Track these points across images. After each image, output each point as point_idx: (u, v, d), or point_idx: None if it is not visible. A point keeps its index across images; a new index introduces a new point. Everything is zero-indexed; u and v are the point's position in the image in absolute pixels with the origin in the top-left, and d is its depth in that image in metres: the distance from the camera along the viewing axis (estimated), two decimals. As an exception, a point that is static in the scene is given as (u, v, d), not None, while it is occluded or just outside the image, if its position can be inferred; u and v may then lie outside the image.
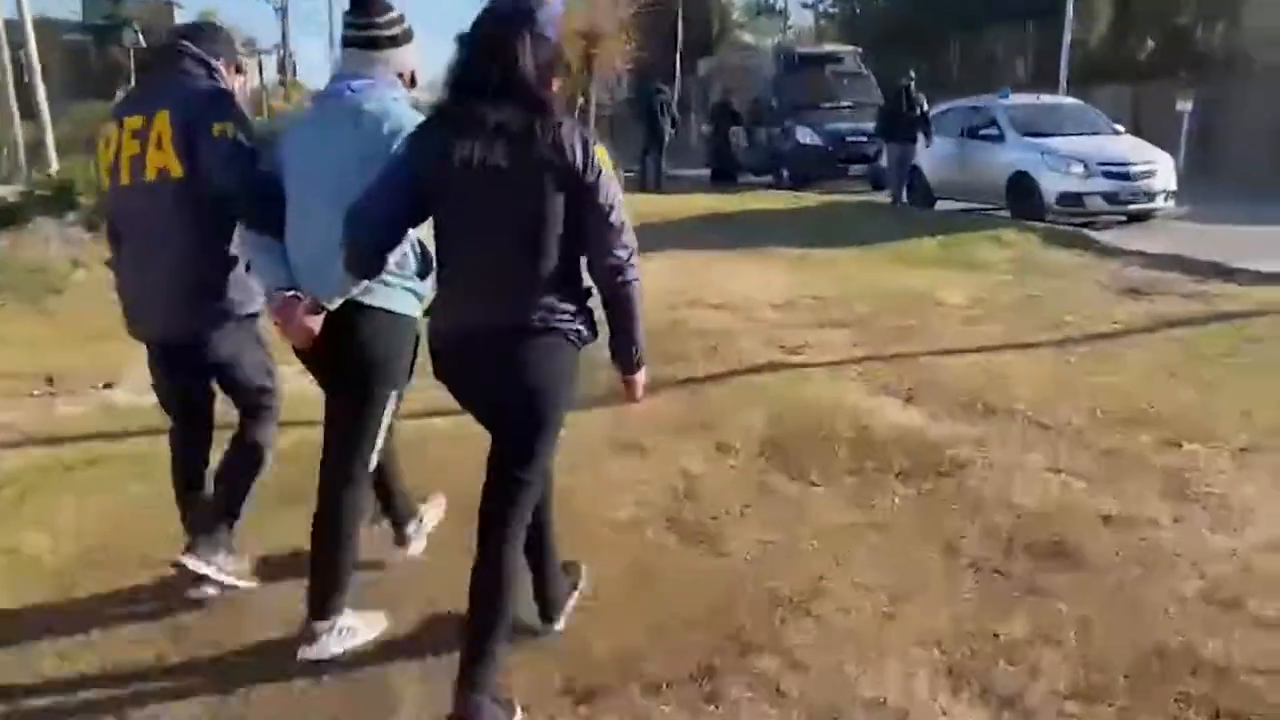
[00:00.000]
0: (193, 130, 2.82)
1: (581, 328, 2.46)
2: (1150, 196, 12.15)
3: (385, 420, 2.87)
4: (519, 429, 2.50)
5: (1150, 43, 27.45)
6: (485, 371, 2.46)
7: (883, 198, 15.38)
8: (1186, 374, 5.55)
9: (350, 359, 2.78)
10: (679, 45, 38.23)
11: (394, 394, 2.87)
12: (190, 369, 3.08)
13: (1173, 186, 12.29)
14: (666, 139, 18.36)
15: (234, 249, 2.98)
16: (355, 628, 2.88)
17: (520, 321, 2.38)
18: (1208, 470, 4.15)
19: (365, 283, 2.64)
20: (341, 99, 2.73)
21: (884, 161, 16.64)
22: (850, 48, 21.45)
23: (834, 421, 4.89)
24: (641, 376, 2.60)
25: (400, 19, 2.86)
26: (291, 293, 2.73)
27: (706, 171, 21.00)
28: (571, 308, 2.43)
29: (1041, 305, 7.62)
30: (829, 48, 22.38)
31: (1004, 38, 29.83)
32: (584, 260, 2.45)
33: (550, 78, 2.35)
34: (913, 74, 14.55)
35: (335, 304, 2.70)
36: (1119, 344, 6.32)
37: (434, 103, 2.47)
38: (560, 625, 2.97)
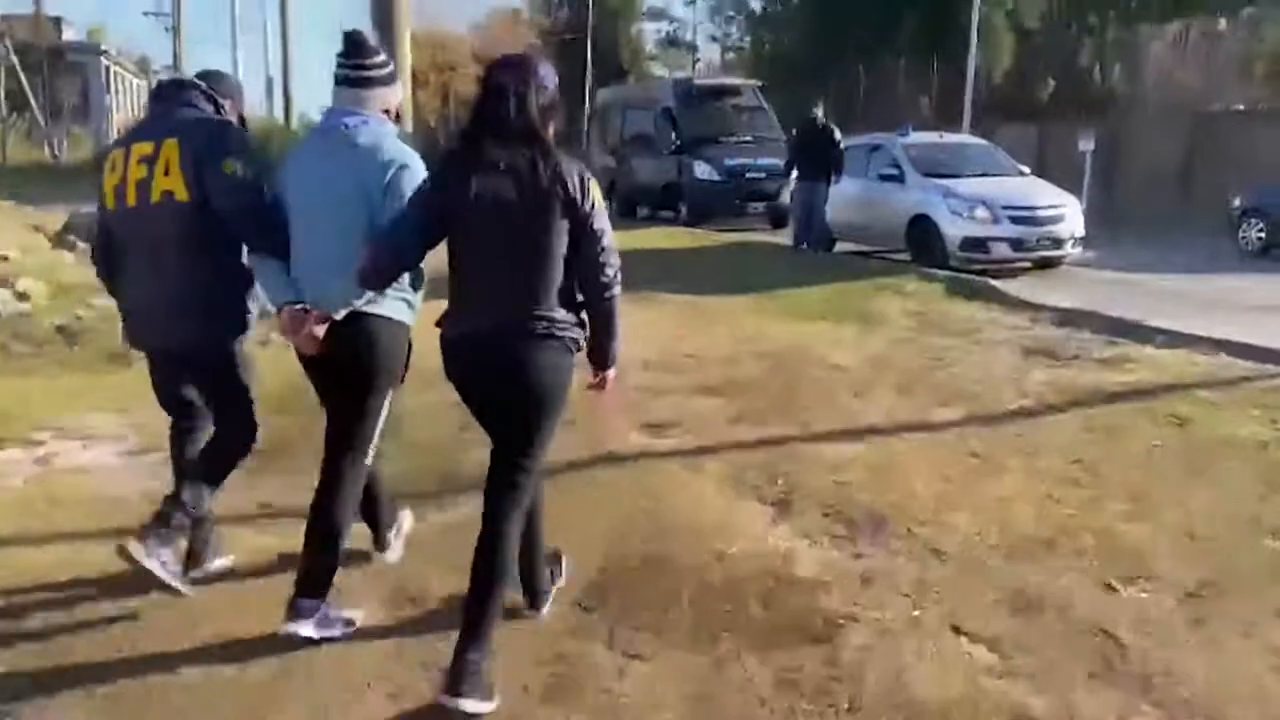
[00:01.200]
0: (202, 161, 3.02)
1: (577, 335, 2.82)
2: (1058, 243, 11.47)
3: (384, 414, 3.20)
4: (524, 423, 2.85)
5: (1052, 82, 27.47)
6: (493, 373, 2.80)
7: (782, 238, 14.54)
8: (1110, 472, 4.63)
9: (356, 362, 3.08)
10: (587, 75, 37.57)
11: (391, 391, 3.19)
12: (190, 374, 3.32)
13: (1081, 232, 11.65)
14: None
15: (239, 263, 3.20)
16: (339, 618, 3.15)
17: (526, 330, 2.73)
18: (1152, 630, 3.18)
19: (368, 295, 2.96)
20: (338, 134, 3.04)
21: (785, 198, 15.85)
22: (750, 81, 20.75)
23: (684, 546, 3.84)
24: (612, 372, 2.97)
25: (386, 62, 3.17)
26: (299, 306, 2.99)
27: (604, 206, 20.00)
28: (568, 318, 2.79)
29: (942, 371, 6.70)
30: (727, 81, 21.68)
31: (909, 73, 29.67)
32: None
33: (549, 120, 2.74)
34: (820, 104, 13.62)
35: (341, 315, 2.99)
36: (1030, 427, 5.39)
37: (452, 142, 2.83)
38: (544, 612, 3.24)
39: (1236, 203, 14.37)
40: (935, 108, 28.07)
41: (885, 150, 12.97)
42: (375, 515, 3.60)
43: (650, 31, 54.32)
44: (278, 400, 5.84)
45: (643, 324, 8.26)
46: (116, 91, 50.62)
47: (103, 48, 48.83)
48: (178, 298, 3.13)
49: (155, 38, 56.66)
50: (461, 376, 2.86)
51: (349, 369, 3.10)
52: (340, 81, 3.12)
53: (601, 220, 2.77)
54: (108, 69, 48.63)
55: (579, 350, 2.86)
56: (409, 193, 2.90)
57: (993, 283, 9.94)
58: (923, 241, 11.79)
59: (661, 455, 5.05)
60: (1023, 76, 28.38)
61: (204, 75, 3.40)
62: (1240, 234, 14.24)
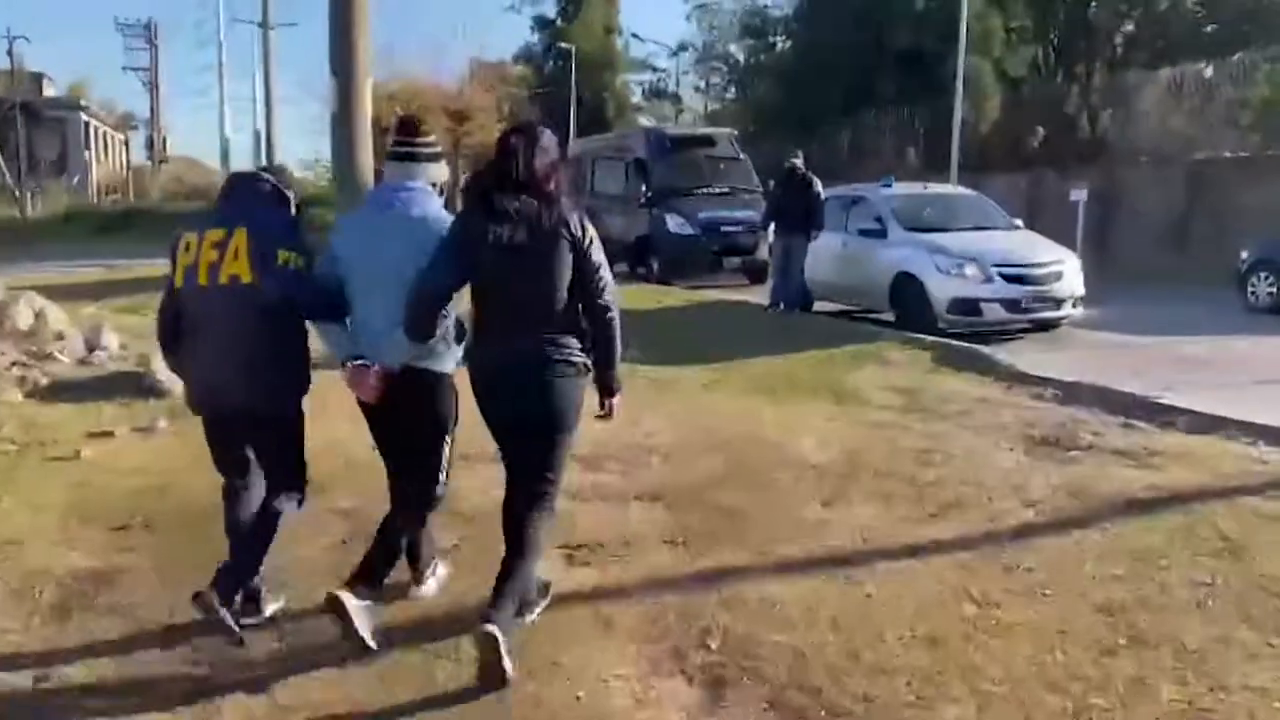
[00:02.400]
0: (264, 250, 3.41)
1: (586, 358, 3.31)
2: (1057, 304, 10.39)
3: (449, 446, 3.62)
4: (545, 439, 3.33)
5: (1040, 131, 26.72)
6: (516, 394, 3.28)
7: (758, 296, 13.49)
8: (1152, 631, 3.49)
9: (416, 410, 3.51)
10: (570, 127, 36.85)
11: (451, 427, 3.62)
12: (251, 435, 3.64)
13: (1080, 291, 10.57)
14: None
15: (297, 332, 3.59)
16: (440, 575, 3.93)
17: (542, 355, 3.23)
18: None
19: (421, 349, 3.37)
20: (395, 207, 3.48)
21: (763, 253, 14.87)
22: (725, 130, 19.84)
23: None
24: (619, 399, 3.50)
25: (436, 142, 3.68)
26: (361, 361, 3.43)
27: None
28: (578, 344, 3.29)
29: (929, 469, 5.59)
30: (702, 130, 20.80)
31: (895, 124, 28.95)
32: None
33: (551, 176, 3.27)
34: (800, 152, 12.48)
35: (398, 367, 3.41)
36: (1041, 554, 4.27)
37: (471, 196, 3.35)
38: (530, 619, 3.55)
39: (1244, 255, 13.38)
40: (922, 158, 27.31)
41: (866, 202, 11.93)
42: (417, 553, 3.86)
43: (636, 83, 53.98)
44: (126, 511, 4.81)
45: (587, 404, 7.16)
46: (96, 147, 50.02)
47: (82, 103, 48.35)
48: (243, 365, 3.45)
49: (140, 93, 55.73)
50: (487, 398, 3.34)
51: (408, 415, 3.51)
52: (394, 157, 3.53)
53: (599, 254, 3.26)
54: (87, 125, 48.09)
55: (589, 372, 3.32)
56: None
57: (985, 351, 8.87)
58: (907, 302, 10.72)
59: (570, 596, 3.92)
60: (1011, 126, 27.63)
61: (268, 169, 3.92)
62: (1249, 289, 13.24)
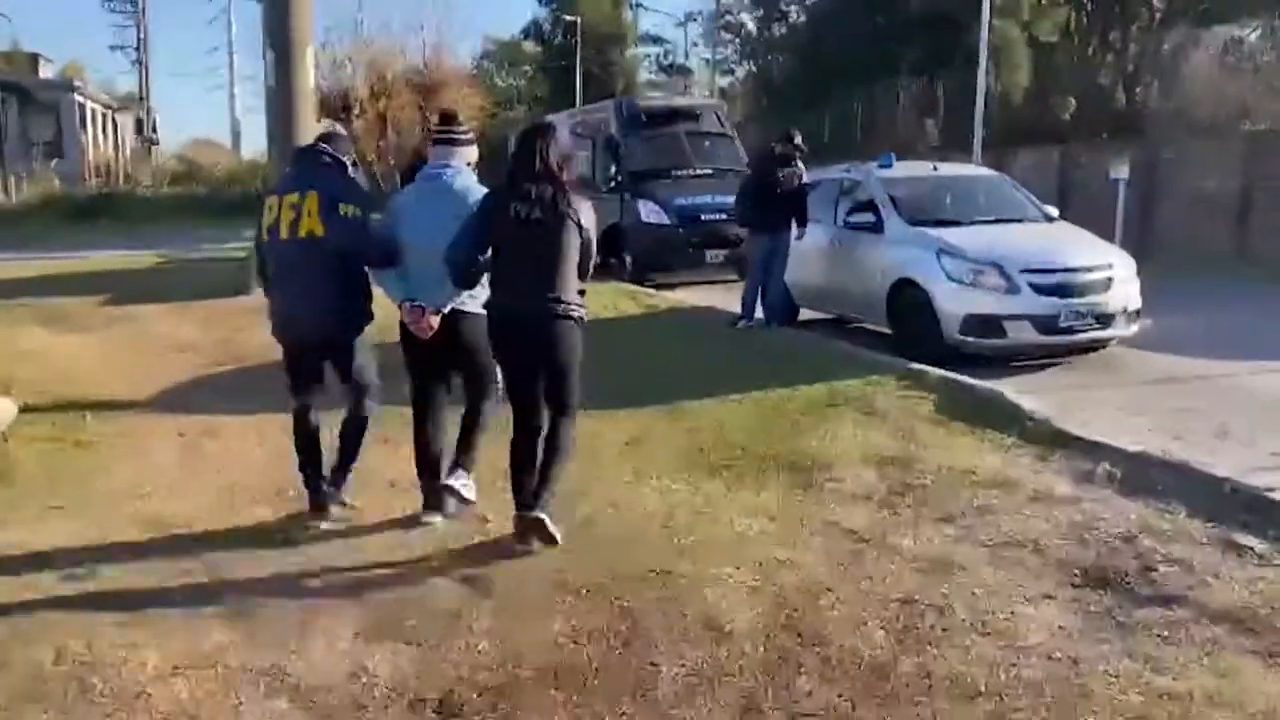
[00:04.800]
0: (331, 206, 4.38)
1: (583, 314, 4.19)
2: (1105, 321, 7.88)
3: (494, 367, 4.47)
4: (556, 378, 4.20)
5: (1073, 101, 24.15)
6: (526, 343, 4.14)
7: (736, 299, 11.12)
8: None
9: (460, 345, 4.44)
10: (577, 103, 34.78)
11: (490, 354, 4.42)
12: (321, 359, 4.66)
13: (1136, 303, 8.07)
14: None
15: (361, 278, 4.59)
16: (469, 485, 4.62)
17: (548, 311, 4.06)
18: None
19: (464, 295, 4.34)
20: (440, 180, 4.46)
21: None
22: (710, 101, 17.44)
23: None
24: None
25: (469, 130, 4.71)
26: (416, 302, 4.36)
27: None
28: (577, 301, 4.14)
29: (913, 650, 3.32)
30: (683, 101, 18.34)
31: (915, 96, 26.48)
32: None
33: (564, 167, 4.12)
34: (795, 133, 9.82)
35: (448, 308, 4.36)
36: None
37: (500, 180, 4.21)
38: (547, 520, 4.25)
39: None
40: (943, 132, 24.86)
41: (859, 187, 9.49)
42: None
43: (644, 57, 51.96)
44: None
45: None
46: (94, 129, 48.15)
47: (76, 84, 46.51)
48: (318, 304, 4.47)
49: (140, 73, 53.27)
50: (503, 344, 4.20)
51: (453, 349, 4.45)
52: (437, 142, 4.61)
53: (593, 236, 4.16)
54: (82, 106, 46.29)
55: (584, 323, 4.18)
56: None
57: (1009, 396, 6.47)
58: (908, 317, 8.28)
59: None
60: (1040, 96, 25.10)
61: (327, 138, 4.73)
62: (1335, 289, 10.83)
